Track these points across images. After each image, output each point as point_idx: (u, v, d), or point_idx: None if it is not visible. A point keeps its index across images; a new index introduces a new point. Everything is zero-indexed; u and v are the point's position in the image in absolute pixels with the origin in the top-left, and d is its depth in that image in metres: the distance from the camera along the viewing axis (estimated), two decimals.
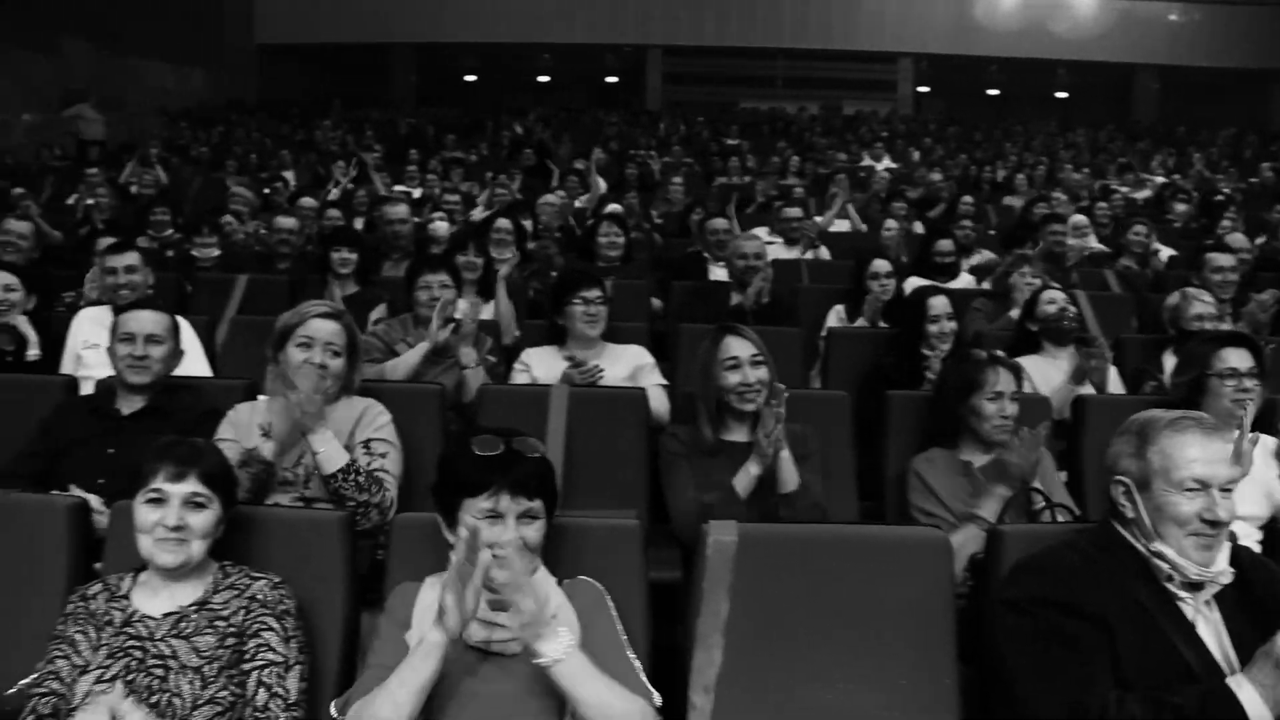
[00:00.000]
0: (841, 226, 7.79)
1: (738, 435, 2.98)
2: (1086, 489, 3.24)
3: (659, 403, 3.62)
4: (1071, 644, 1.92)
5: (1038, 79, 22.29)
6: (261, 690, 2.01)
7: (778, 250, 6.41)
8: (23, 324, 4.05)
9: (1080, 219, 7.08)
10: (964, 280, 5.66)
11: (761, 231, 6.95)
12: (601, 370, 3.66)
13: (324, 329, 2.92)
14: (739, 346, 2.98)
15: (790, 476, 2.83)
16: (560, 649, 1.84)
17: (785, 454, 2.82)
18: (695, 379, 3.06)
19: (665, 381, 3.82)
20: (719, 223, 6.01)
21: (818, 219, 7.37)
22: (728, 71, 22.65)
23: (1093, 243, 7.00)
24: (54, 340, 4.18)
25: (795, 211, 6.70)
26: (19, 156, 12.97)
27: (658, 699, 1.98)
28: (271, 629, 2.08)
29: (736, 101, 21.28)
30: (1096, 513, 2.70)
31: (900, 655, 2.23)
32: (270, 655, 2.05)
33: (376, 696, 1.86)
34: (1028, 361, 3.82)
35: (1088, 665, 1.91)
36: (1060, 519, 2.77)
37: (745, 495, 2.80)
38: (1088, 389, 3.81)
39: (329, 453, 2.68)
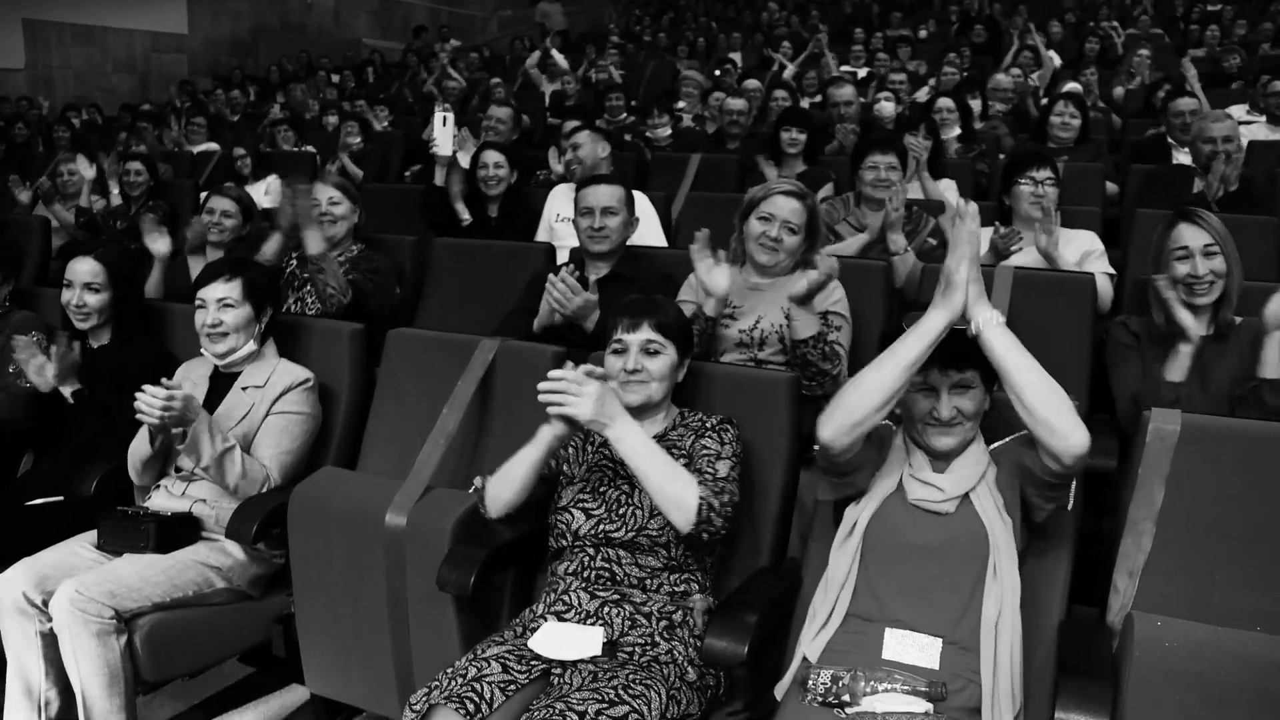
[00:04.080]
0: None
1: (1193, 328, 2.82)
2: None
3: (1103, 290, 3.49)
4: None
5: None
6: (696, 473, 2.25)
7: (1259, 130, 5.81)
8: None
9: None
10: None
11: (1239, 109, 6.30)
12: (1021, 239, 3.58)
13: (786, 206, 3.07)
14: (1191, 235, 2.81)
15: (1276, 361, 2.65)
16: (993, 316, 1.98)
17: (1277, 336, 2.65)
18: (1148, 266, 2.93)
19: (1112, 270, 3.66)
20: (1185, 102, 5.50)
21: None
22: None
23: None
24: (530, 213, 4.73)
25: None
26: (495, 49, 14.18)
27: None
28: (710, 437, 2.33)
29: None
30: None
31: None
32: (706, 452, 2.30)
33: (868, 368, 2.04)
34: None
35: None
36: None
37: (1180, 378, 2.69)
38: None
39: (805, 321, 2.84)
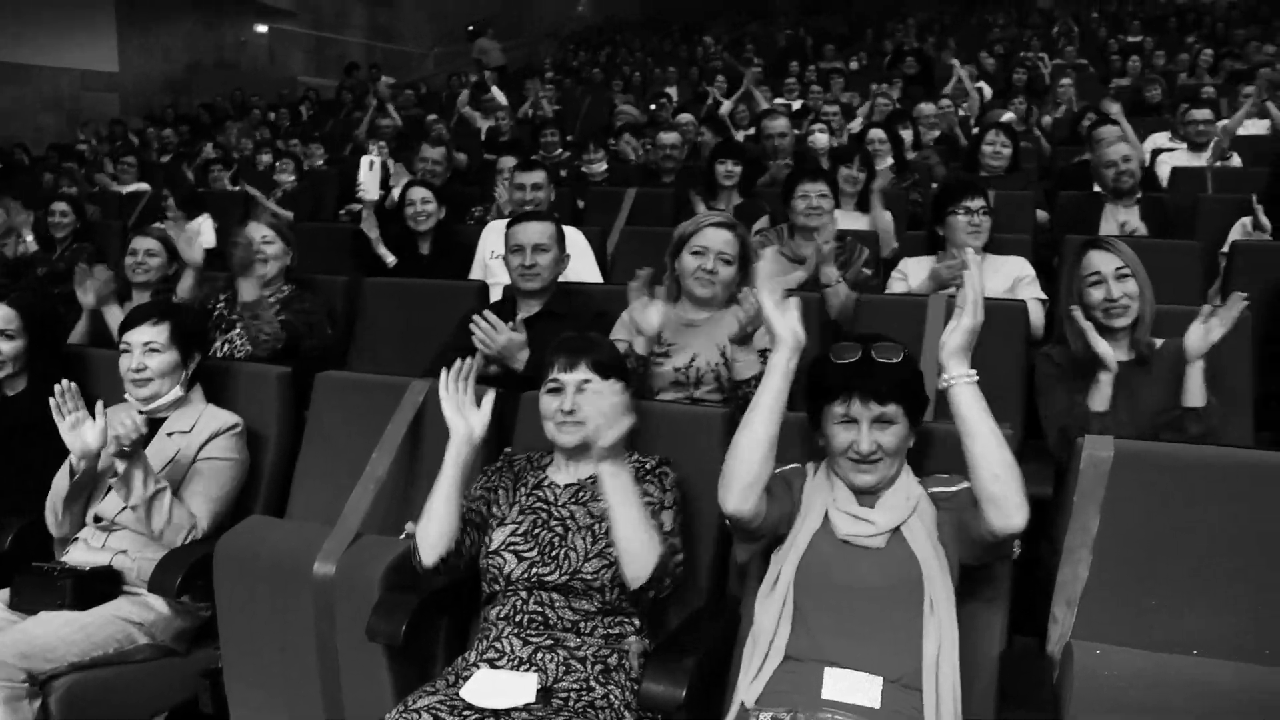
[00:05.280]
0: (1257, 129, 7.04)
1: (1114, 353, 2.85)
2: None
3: (1035, 316, 3.53)
4: None
5: None
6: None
7: (1180, 156, 5.94)
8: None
9: None
10: None
11: (1161, 137, 6.45)
12: (967, 267, 3.59)
13: (717, 238, 3.04)
14: (1101, 260, 2.87)
15: (1197, 391, 2.69)
16: (966, 374, 1.97)
17: (1199, 365, 2.69)
18: (1062, 297, 2.98)
19: (1044, 296, 3.70)
20: (1106, 130, 5.58)
21: (1223, 123, 6.70)
22: None
23: None
24: (464, 250, 4.70)
25: (1203, 114, 6.06)
26: (431, 85, 14.15)
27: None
28: (650, 483, 2.30)
29: None
30: None
31: None
32: (649, 499, 2.26)
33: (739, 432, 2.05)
34: None
35: None
36: None
37: (1104, 408, 2.72)
38: None
39: (746, 361, 2.83)
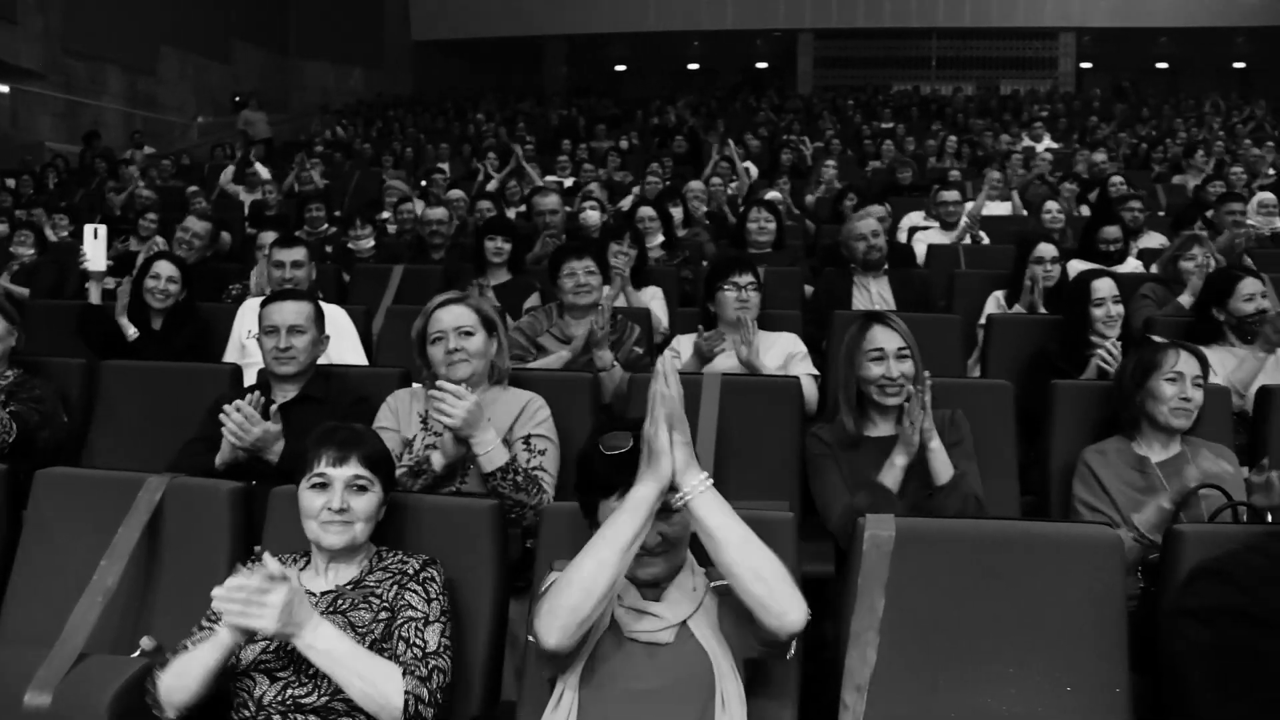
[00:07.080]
0: (1001, 210, 7.52)
1: (882, 429, 2.88)
2: None
3: (809, 392, 3.54)
4: (1260, 660, 1.77)
5: (1213, 49, 21.25)
6: (401, 643, 2.06)
7: (934, 235, 6.24)
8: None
9: (1269, 197, 6.58)
10: (1132, 265, 5.37)
11: (917, 216, 6.78)
12: (724, 341, 3.60)
13: (449, 316, 2.92)
14: (885, 338, 2.88)
15: (944, 468, 2.72)
16: (700, 481, 1.84)
17: (936, 444, 2.72)
18: (837, 368, 2.98)
19: (816, 371, 3.73)
20: (870, 209, 5.82)
21: (968, 205, 7.11)
22: (880, 54, 22.24)
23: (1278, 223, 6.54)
24: (202, 326, 4.49)
25: (952, 195, 6.46)
26: (195, 157, 13.59)
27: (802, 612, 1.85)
28: (414, 592, 2.13)
29: (889, 84, 20.85)
30: None
31: (1066, 660, 2.12)
32: (411, 613, 2.10)
33: (580, 558, 1.85)
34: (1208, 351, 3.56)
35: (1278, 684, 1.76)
36: (1244, 520, 2.56)
37: (895, 488, 2.71)
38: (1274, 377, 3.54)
39: (491, 453, 2.68)
